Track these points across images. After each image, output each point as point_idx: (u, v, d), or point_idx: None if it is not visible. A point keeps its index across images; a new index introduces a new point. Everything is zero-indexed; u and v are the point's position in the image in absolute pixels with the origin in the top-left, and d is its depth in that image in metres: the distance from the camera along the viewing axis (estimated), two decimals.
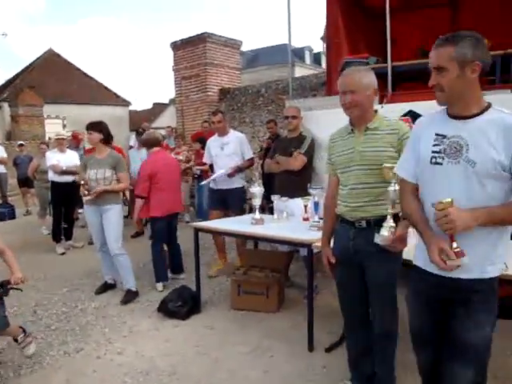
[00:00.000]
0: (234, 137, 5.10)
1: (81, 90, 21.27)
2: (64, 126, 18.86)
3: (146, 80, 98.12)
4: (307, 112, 4.54)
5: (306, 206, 3.79)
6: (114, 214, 4.41)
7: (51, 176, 6.45)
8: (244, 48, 13.32)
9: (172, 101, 21.50)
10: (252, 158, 5.19)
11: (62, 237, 6.64)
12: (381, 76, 3.78)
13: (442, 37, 1.73)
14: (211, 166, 5.28)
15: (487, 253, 1.72)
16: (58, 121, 19.45)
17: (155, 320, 3.95)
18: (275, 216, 3.98)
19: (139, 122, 12.95)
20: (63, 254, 6.43)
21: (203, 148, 5.84)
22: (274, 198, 4.00)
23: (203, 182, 5.57)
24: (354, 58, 4.73)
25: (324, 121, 4.26)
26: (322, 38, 33.80)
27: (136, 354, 3.32)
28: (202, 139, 6.93)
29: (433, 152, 1.76)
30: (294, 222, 3.89)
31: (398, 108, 3.86)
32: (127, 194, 7.90)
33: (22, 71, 21.77)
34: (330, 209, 2.56)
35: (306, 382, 2.87)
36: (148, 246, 4.96)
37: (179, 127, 10.94)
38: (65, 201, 6.51)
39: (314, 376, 2.92)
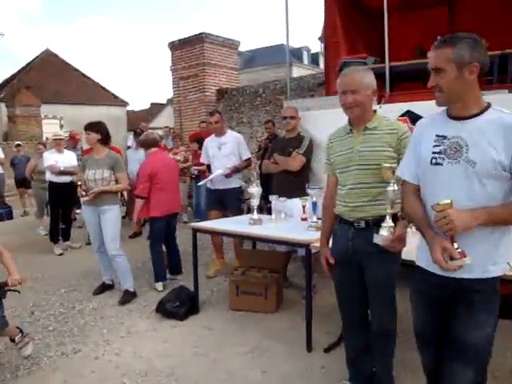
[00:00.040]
0: (232, 137, 5.10)
1: (78, 90, 21.21)
2: (61, 127, 18.81)
3: (143, 80, 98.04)
4: (305, 112, 4.54)
5: (304, 207, 3.79)
6: (112, 214, 4.39)
7: (49, 176, 6.44)
8: (242, 48, 13.31)
9: (170, 101, 21.47)
10: (249, 159, 5.18)
11: (60, 237, 6.63)
12: (379, 76, 3.77)
13: (440, 38, 1.74)
14: (208, 167, 5.28)
15: (489, 253, 1.72)
16: (55, 121, 19.40)
17: (153, 321, 3.94)
18: (273, 216, 3.97)
19: (137, 123, 12.94)
20: (61, 254, 6.42)
21: (201, 148, 5.84)
22: (272, 198, 3.99)
23: (201, 183, 5.57)
24: (352, 58, 4.72)
25: (322, 121, 4.26)
26: (319, 38, 33.81)
27: (134, 355, 3.31)
28: (199, 139, 6.93)
29: (433, 153, 1.77)
30: (292, 222, 3.89)
31: (396, 108, 3.86)
32: (125, 194, 7.89)
33: (19, 71, 21.70)
34: (328, 209, 2.56)
35: (304, 382, 2.86)
36: (146, 247, 4.95)
37: (177, 127, 10.93)
38: (62, 201, 6.49)
39: (313, 376, 2.92)
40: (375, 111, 2.43)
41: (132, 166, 6.98)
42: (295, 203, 3.95)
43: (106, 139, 4.49)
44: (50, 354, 3.38)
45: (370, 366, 2.60)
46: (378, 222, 2.29)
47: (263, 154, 6.05)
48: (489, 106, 1.73)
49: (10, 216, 9.72)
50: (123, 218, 6.47)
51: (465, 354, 1.77)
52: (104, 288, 4.72)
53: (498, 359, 1.91)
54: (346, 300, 2.55)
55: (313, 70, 27.43)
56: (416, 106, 3.79)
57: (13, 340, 3.22)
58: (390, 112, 3.40)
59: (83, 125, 4.56)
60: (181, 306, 3.92)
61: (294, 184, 4.01)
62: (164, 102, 28.76)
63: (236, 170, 4.97)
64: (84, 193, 4.39)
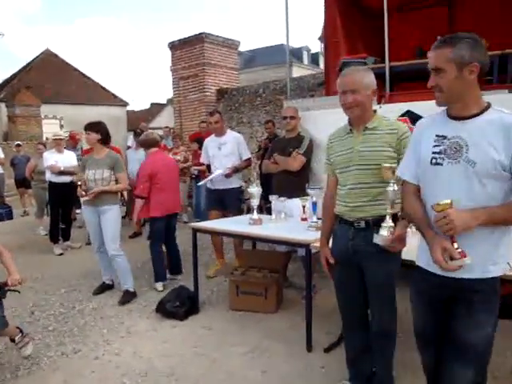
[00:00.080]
0: (232, 137, 5.10)
1: (78, 90, 21.21)
2: (61, 127, 18.82)
3: (143, 80, 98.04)
4: (305, 112, 4.54)
5: (304, 207, 3.79)
6: (112, 214, 4.39)
7: (49, 176, 6.44)
8: (242, 48, 13.31)
9: (170, 101, 21.47)
10: (249, 159, 5.18)
11: (60, 237, 6.62)
12: (379, 76, 3.77)
13: (440, 38, 1.75)
14: (208, 167, 5.27)
15: (489, 253, 1.72)
16: (55, 121, 19.40)
17: (153, 321, 3.94)
18: (273, 216, 3.97)
19: (137, 122, 12.95)
20: (61, 254, 6.41)
21: (201, 148, 5.84)
22: (272, 198, 3.99)
23: (201, 183, 5.57)
24: (352, 58, 4.73)
25: (322, 121, 4.26)
26: (319, 39, 33.80)
27: (134, 355, 3.31)
28: (199, 139, 6.93)
29: (433, 153, 1.77)
30: (292, 222, 3.89)
31: (396, 108, 3.86)
32: (125, 194, 7.89)
33: (19, 71, 21.69)
34: (328, 209, 2.56)
35: (304, 382, 2.86)
36: (146, 247, 4.95)
37: (177, 127, 10.93)
38: (62, 201, 6.49)
39: (313, 376, 2.92)
40: (375, 111, 2.43)
41: (132, 166, 6.98)
42: (295, 203, 3.95)
43: (105, 139, 4.49)
44: (50, 353, 3.38)
45: (370, 366, 2.60)
46: (378, 222, 2.29)
47: (263, 154, 6.04)
48: (489, 105, 1.74)
49: (9, 216, 9.72)
50: (123, 218, 6.46)
51: (465, 354, 1.77)
52: (104, 288, 4.72)
53: (498, 359, 1.91)
54: (345, 300, 2.55)
55: (313, 70, 27.43)
56: (416, 106, 3.79)
57: (13, 340, 3.23)
58: (389, 112, 3.41)
59: (83, 125, 4.57)
60: (181, 306, 3.92)
61: (294, 184, 4.01)
62: (164, 101, 28.78)
63: (236, 170, 4.97)
64: (84, 193, 4.39)
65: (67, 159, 6.51)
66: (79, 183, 4.51)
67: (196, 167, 6.90)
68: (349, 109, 2.34)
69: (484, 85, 1.76)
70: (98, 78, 23.90)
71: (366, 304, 2.52)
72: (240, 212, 5.09)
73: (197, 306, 4.07)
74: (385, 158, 2.29)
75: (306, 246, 3.17)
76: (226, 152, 4.98)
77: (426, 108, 3.55)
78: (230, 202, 5.01)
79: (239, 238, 4.61)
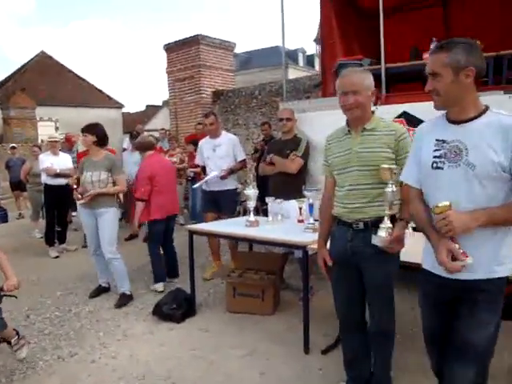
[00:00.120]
0: (227, 139, 5.09)
1: (73, 92, 21.16)
2: (57, 129, 18.76)
3: (139, 82, 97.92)
4: (301, 114, 4.54)
5: (300, 208, 3.78)
6: (109, 217, 4.37)
7: (44, 179, 6.41)
8: (237, 50, 13.32)
9: (165, 103, 21.47)
10: (244, 160, 5.18)
11: (56, 240, 6.59)
12: (374, 77, 3.78)
13: (436, 44, 1.82)
14: (203, 168, 5.26)
15: (493, 253, 1.74)
16: (50, 123, 19.34)
17: (150, 323, 3.92)
18: (270, 218, 3.97)
19: (132, 124, 12.92)
20: (57, 257, 6.38)
21: (197, 150, 5.82)
22: (269, 200, 3.99)
23: (196, 185, 5.56)
24: (348, 59, 4.74)
25: (318, 122, 4.27)
26: (315, 40, 33.87)
27: (131, 358, 3.30)
28: (195, 141, 6.91)
29: (434, 157, 1.80)
30: (289, 223, 3.88)
31: (392, 110, 3.87)
32: (121, 196, 7.87)
33: (14, 73, 21.63)
34: (326, 210, 2.55)
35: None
36: (142, 249, 4.94)
37: (173, 129, 10.91)
38: (58, 204, 6.46)
39: (311, 378, 2.91)
40: (373, 112, 2.43)
41: (128, 169, 6.96)
42: (292, 205, 3.94)
43: (102, 141, 4.47)
44: (46, 357, 3.35)
45: (368, 368, 2.60)
46: (376, 223, 2.29)
47: (259, 156, 6.04)
48: (487, 108, 1.76)
49: (5, 219, 9.68)
50: (119, 220, 6.45)
51: (465, 353, 1.78)
52: (100, 291, 4.69)
53: (495, 359, 1.92)
54: (343, 301, 2.53)
55: (308, 71, 27.47)
56: (412, 108, 3.80)
57: (9, 342, 3.20)
58: (386, 113, 3.40)
59: (78, 127, 4.55)
60: (177, 309, 3.90)
61: (291, 186, 4.01)
62: (160, 103, 28.78)
63: (231, 172, 4.97)
64: (80, 196, 4.37)
65: (63, 161, 6.48)
66: (75, 186, 4.49)
67: (192, 169, 6.89)
68: (349, 110, 2.33)
69: (478, 86, 1.77)
70: (93, 80, 23.87)
71: (363, 306, 2.52)
72: (234, 213, 5.08)
73: (194, 308, 4.06)
74: (383, 159, 2.28)
75: (303, 247, 3.17)
76: (220, 154, 4.97)
77: (422, 109, 3.58)
78: (224, 203, 5.00)
79: (236, 239, 4.60)
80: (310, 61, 36.18)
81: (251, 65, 32.40)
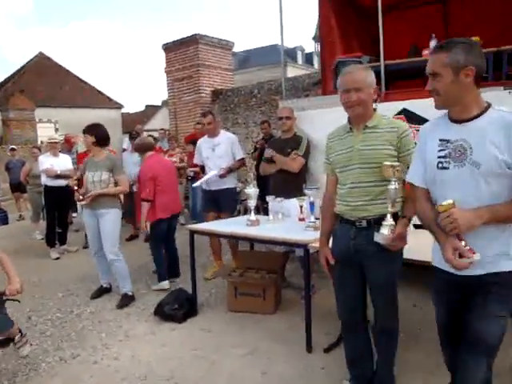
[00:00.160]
0: (226, 138, 5.08)
1: (72, 93, 21.13)
2: (56, 130, 18.74)
3: (138, 82, 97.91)
4: (300, 112, 4.53)
5: (301, 207, 3.77)
6: (110, 217, 4.36)
7: (44, 180, 6.40)
8: (236, 49, 13.30)
9: (165, 103, 21.43)
10: (243, 159, 5.18)
11: (57, 241, 6.59)
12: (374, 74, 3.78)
13: (436, 44, 1.84)
14: (202, 167, 5.25)
15: (502, 250, 1.75)
16: (49, 125, 19.31)
17: (152, 324, 3.91)
18: (270, 217, 3.96)
19: (132, 125, 12.90)
20: (57, 258, 6.38)
21: None
22: (269, 198, 3.98)
23: (195, 184, 5.55)
24: (347, 57, 4.73)
25: (318, 121, 4.26)
26: (313, 38, 33.87)
27: (133, 359, 3.29)
28: (195, 141, 6.89)
29: (439, 157, 1.81)
30: (290, 222, 3.87)
31: (392, 107, 3.85)
32: (121, 197, 7.85)
33: (13, 75, 21.60)
34: (328, 208, 2.54)
35: (304, 383, 2.85)
36: (143, 249, 4.94)
37: (172, 129, 10.90)
38: (58, 205, 6.45)
39: (313, 377, 2.91)
40: (375, 110, 2.41)
41: (128, 169, 6.94)
42: (292, 203, 3.94)
43: (102, 142, 4.45)
44: (48, 359, 3.35)
45: (371, 367, 2.59)
46: (379, 221, 2.28)
47: (259, 155, 6.03)
48: (489, 106, 1.77)
49: (5, 221, 9.68)
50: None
51: (477, 345, 1.79)
52: (102, 292, 4.69)
53: (499, 356, 1.92)
54: (346, 300, 2.52)
55: (307, 69, 27.46)
56: (412, 105, 3.79)
57: (12, 339, 3.17)
58: (386, 110, 3.39)
59: (78, 128, 4.56)
60: (179, 309, 3.90)
61: (292, 184, 4.00)
62: (159, 103, 28.74)
63: (230, 171, 4.96)
64: (81, 197, 4.36)
65: (63, 163, 6.47)
66: (76, 187, 4.49)
67: (192, 169, 6.88)
68: (351, 107, 2.32)
69: (481, 85, 1.78)
70: (92, 81, 23.84)
71: (365, 304, 2.52)
72: (234, 212, 5.08)
73: (195, 308, 4.06)
74: (385, 156, 2.27)
75: (304, 246, 3.16)
76: (219, 153, 4.97)
77: (422, 106, 3.57)
78: (224, 202, 4.99)
79: (237, 239, 4.60)
80: (308, 59, 36.16)
81: (250, 63, 32.36)
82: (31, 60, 22.13)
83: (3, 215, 9.73)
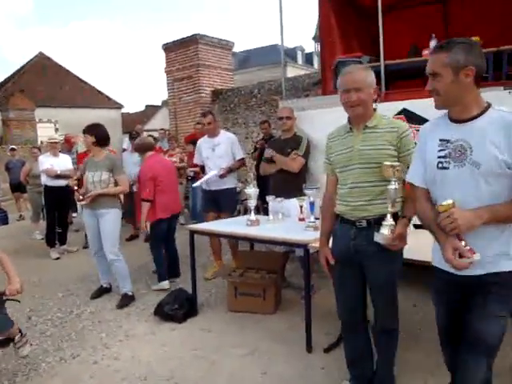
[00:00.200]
0: (226, 138, 5.08)
1: (72, 93, 21.13)
2: (56, 130, 18.74)
3: (138, 82, 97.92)
4: (300, 112, 4.53)
5: (301, 207, 3.77)
6: (110, 218, 4.36)
7: (44, 180, 6.40)
8: (236, 49, 13.31)
9: (165, 103, 21.43)
10: (243, 159, 5.19)
11: (57, 241, 6.58)
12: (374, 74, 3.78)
13: (436, 44, 1.84)
14: (202, 167, 5.25)
15: (501, 250, 1.75)
16: (49, 125, 19.30)
17: (152, 324, 3.91)
18: (270, 217, 3.96)
19: (132, 125, 12.90)
20: (58, 258, 6.37)
21: None
22: (269, 198, 3.98)
23: (195, 184, 5.55)
24: (347, 57, 4.73)
25: (318, 121, 4.26)
26: (313, 38, 33.86)
27: (133, 359, 3.29)
28: (195, 141, 6.89)
29: (439, 157, 1.81)
30: (290, 222, 3.87)
31: (392, 107, 3.86)
32: (121, 197, 7.85)
33: (13, 75, 21.60)
34: (328, 208, 2.54)
35: (304, 383, 2.85)
36: (143, 249, 4.94)
37: (172, 129, 10.91)
38: (58, 205, 6.45)
39: (313, 377, 2.91)
40: (375, 110, 2.41)
41: (128, 169, 6.94)
42: (292, 203, 3.94)
43: (102, 142, 4.45)
44: (48, 359, 3.35)
45: (371, 367, 2.59)
46: (379, 221, 2.28)
47: (259, 155, 6.03)
48: (489, 106, 1.77)
49: (5, 221, 9.68)
50: None
51: (477, 345, 1.79)
52: (102, 292, 4.69)
53: (498, 356, 1.92)
54: (346, 300, 2.52)
55: (307, 69, 27.45)
56: (412, 105, 3.79)
57: (12, 339, 3.17)
58: (385, 110, 3.39)
59: (78, 128, 4.56)
60: (179, 309, 3.90)
61: (292, 184, 4.00)
62: (159, 103, 28.74)
63: (230, 171, 4.97)
64: (81, 197, 4.36)
65: (63, 163, 6.47)
66: (76, 188, 4.49)
67: (192, 169, 6.88)
68: (351, 107, 2.32)
69: (481, 85, 1.78)
70: (92, 81, 23.83)
71: (365, 305, 2.52)
72: (234, 212, 5.07)
73: (195, 308, 4.06)
74: (385, 156, 2.27)
75: (304, 246, 3.16)
76: (220, 153, 4.97)
77: (422, 106, 3.57)
78: (224, 202, 5.00)
79: (237, 239, 4.60)
80: (308, 59, 36.15)
81: (250, 63, 32.35)
82: (31, 60, 22.13)
83: (3, 215, 9.73)
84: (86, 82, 22.72)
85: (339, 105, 2.42)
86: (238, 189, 5.45)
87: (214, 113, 5.54)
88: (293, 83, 8.99)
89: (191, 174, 7.11)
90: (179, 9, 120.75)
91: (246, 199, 4.53)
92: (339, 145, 2.44)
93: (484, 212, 1.67)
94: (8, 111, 16.60)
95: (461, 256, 1.71)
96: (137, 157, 5.57)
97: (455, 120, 1.81)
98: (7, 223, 9.62)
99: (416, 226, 2.85)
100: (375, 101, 2.44)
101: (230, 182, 5.03)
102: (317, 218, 3.40)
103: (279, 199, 3.95)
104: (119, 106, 23.10)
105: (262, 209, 5.69)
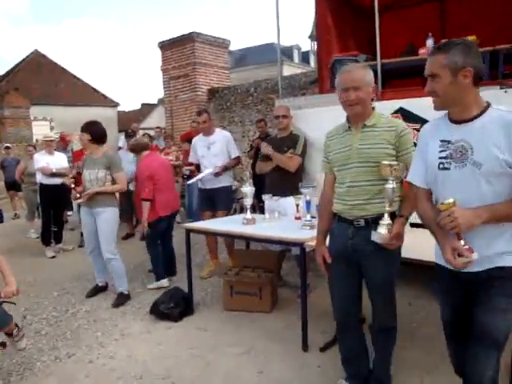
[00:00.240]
0: (221, 136, 5.07)
1: (68, 91, 21.05)
2: (52, 128, 18.66)
3: (134, 80, 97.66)
4: (297, 111, 4.52)
5: (297, 205, 3.77)
6: (107, 216, 4.33)
7: (39, 178, 6.37)
8: (232, 47, 13.30)
9: (161, 101, 21.40)
10: (238, 157, 5.17)
11: (52, 240, 6.56)
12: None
13: (434, 45, 1.86)
14: (197, 166, 5.23)
15: (505, 247, 1.76)
16: (45, 122, 19.22)
17: (147, 323, 3.90)
18: (267, 215, 3.95)
19: (128, 123, 12.86)
20: (53, 257, 6.35)
21: None
22: (266, 197, 3.97)
23: (190, 181, 5.53)
24: (344, 55, 4.73)
25: (314, 119, 4.26)
26: (310, 37, 33.89)
27: (129, 358, 3.28)
28: (191, 139, 6.87)
29: (440, 158, 1.83)
30: (286, 221, 3.87)
31: (389, 105, 3.85)
32: (117, 195, 7.82)
33: (8, 73, 21.48)
34: (325, 207, 2.53)
35: (301, 382, 2.85)
36: (139, 248, 4.92)
37: (168, 127, 10.88)
38: (54, 203, 6.42)
39: (309, 376, 2.90)
40: (373, 108, 2.41)
41: (125, 168, 6.91)
42: (289, 202, 3.93)
43: (98, 139, 4.42)
44: (43, 358, 3.33)
45: (366, 365, 2.60)
46: (376, 220, 2.28)
47: (256, 153, 6.02)
48: (488, 105, 1.78)
49: (0, 219, 9.61)
50: None
51: (485, 339, 1.80)
52: (97, 290, 4.67)
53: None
54: (342, 299, 2.51)
55: (303, 68, 27.43)
56: (408, 104, 3.79)
57: (10, 334, 3.14)
58: (382, 109, 3.36)
59: (73, 126, 4.55)
60: (175, 308, 3.89)
61: (288, 182, 3.99)
62: (155, 102, 28.70)
63: (225, 169, 4.96)
64: (78, 195, 4.34)
65: (58, 161, 6.44)
66: (73, 186, 4.46)
67: (187, 167, 6.86)
68: (350, 106, 2.31)
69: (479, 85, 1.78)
70: (87, 79, 23.77)
71: (361, 304, 2.52)
72: (229, 211, 5.07)
73: (191, 307, 4.05)
74: (384, 155, 2.27)
75: (301, 244, 3.15)
76: (215, 151, 4.96)
77: (419, 105, 3.58)
78: (220, 200, 4.99)
79: (233, 237, 4.59)
80: (305, 57, 36.11)
81: (246, 62, 32.32)
82: (26, 57, 22.02)
83: None
84: (81, 80, 22.64)
85: (336, 103, 2.42)
86: (233, 187, 5.44)
87: (209, 111, 5.53)
88: (289, 82, 8.99)
89: (187, 172, 7.09)
90: (177, 8, 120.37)
91: (241, 198, 4.51)
92: (337, 143, 2.44)
93: (483, 211, 1.69)
94: (3, 109, 16.49)
95: (459, 255, 1.73)
96: (132, 156, 5.56)
97: (455, 121, 1.82)
98: (2, 222, 9.57)
99: (412, 225, 2.86)
100: (372, 99, 2.43)
101: (225, 181, 5.02)
102: (313, 217, 3.39)
103: (275, 198, 3.94)
104: (115, 105, 23.04)
105: (258, 207, 5.68)
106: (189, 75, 10.42)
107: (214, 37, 10.71)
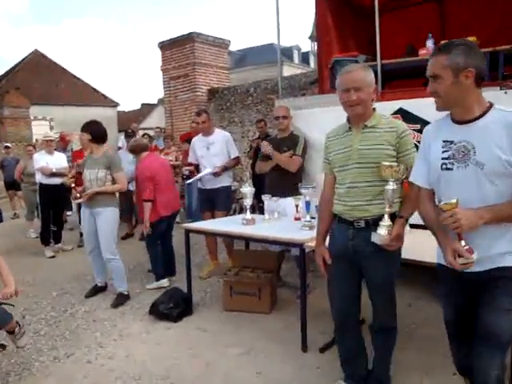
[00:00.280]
0: (221, 136, 5.06)
1: (68, 91, 21.08)
2: (51, 128, 18.65)
3: (134, 80, 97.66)
4: (297, 111, 4.52)
5: (297, 206, 3.76)
6: (107, 216, 4.32)
7: (39, 178, 6.36)
8: (232, 48, 13.31)
9: (160, 101, 21.41)
10: (238, 157, 5.17)
11: (51, 240, 6.55)
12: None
13: (436, 46, 1.85)
14: (197, 166, 5.22)
15: (506, 249, 1.76)
16: (44, 122, 19.22)
17: (146, 323, 3.89)
18: (266, 216, 3.95)
19: (127, 123, 12.86)
20: (52, 257, 6.34)
21: None
22: (265, 197, 3.97)
23: (189, 180, 5.52)
24: (344, 56, 4.72)
25: (314, 120, 4.25)
26: (310, 37, 33.90)
27: (127, 358, 3.27)
28: (190, 140, 6.87)
29: (442, 158, 1.83)
30: (286, 221, 3.86)
31: (389, 106, 3.84)
32: (117, 195, 7.81)
33: (8, 72, 21.49)
34: (326, 208, 2.52)
35: (300, 382, 2.84)
36: (138, 248, 4.92)
37: (168, 128, 10.88)
38: (53, 203, 6.41)
39: (309, 376, 2.90)
40: (374, 109, 2.40)
41: (124, 168, 6.90)
42: (288, 202, 3.93)
43: (98, 139, 4.42)
44: (42, 358, 3.32)
45: (365, 366, 2.59)
46: (377, 221, 2.27)
47: (255, 153, 6.02)
48: (491, 106, 1.78)
49: None
50: None
51: (489, 340, 1.80)
52: (96, 290, 4.66)
53: None
54: (342, 300, 2.50)
55: (303, 68, 27.44)
56: (408, 104, 3.78)
57: (12, 332, 3.13)
58: (382, 110, 3.36)
59: (73, 126, 4.55)
60: (174, 308, 3.88)
61: (288, 182, 3.99)
62: (155, 102, 28.71)
63: (224, 169, 4.95)
64: (78, 195, 4.33)
65: (58, 161, 6.43)
66: (73, 185, 4.45)
67: (187, 167, 6.86)
68: (351, 107, 2.30)
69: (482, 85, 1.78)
70: (87, 79, 23.79)
71: (359, 304, 2.51)
72: (228, 211, 5.06)
73: (190, 307, 4.04)
74: (384, 156, 2.26)
75: (300, 245, 3.15)
76: (214, 151, 4.95)
77: (418, 106, 3.57)
78: (219, 200, 4.98)
79: (232, 238, 4.59)
80: (305, 58, 36.13)
81: (246, 62, 32.33)
82: (26, 57, 22.03)
83: None
84: (81, 80, 22.66)
85: (336, 104, 2.41)
86: (233, 187, 5.43)
87: (209, 111, 5.52)
88: (289, 82, 8.99)
89: (186, 172, 7.08)
90: (176, 8, 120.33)
91: (241, 198, 4.51)
92: (338, 144, 2.43)
93: (486, 212, 1.69)
94: (3, 109, 16.50)
95: (459, 256, 1.73)
96: (132, 156, 5.55)
97: (458, 121, 1.82)
98: (1, 221, 9.55)
99: (412, 226, 2.85)
100: (373, 100, 2.42)
101: (225, 181, 5.02)
102: (313, 217, 3.39)
103: (275, 198, 3.94)
104: (115, 105, 23.07)
105: (258, 208, 5.67)
106: (189, 75, 10.42)
107: (214, 37, 10.71)
